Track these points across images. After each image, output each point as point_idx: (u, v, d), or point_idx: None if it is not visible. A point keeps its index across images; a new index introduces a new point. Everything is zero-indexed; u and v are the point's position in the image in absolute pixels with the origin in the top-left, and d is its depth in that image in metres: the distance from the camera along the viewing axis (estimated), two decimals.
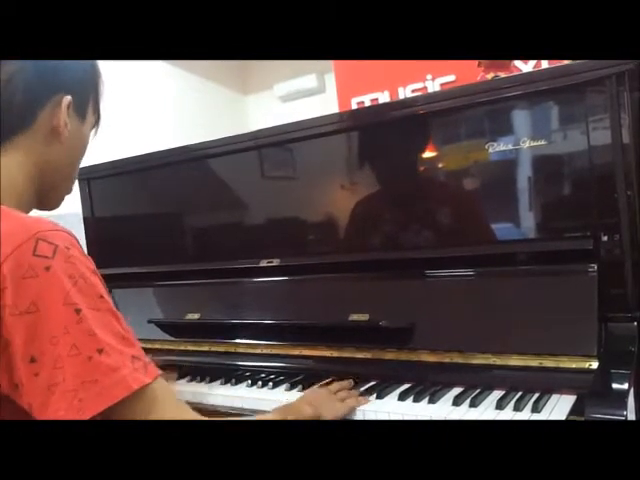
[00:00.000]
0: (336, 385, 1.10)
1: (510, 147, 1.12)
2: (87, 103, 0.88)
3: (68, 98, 0.82)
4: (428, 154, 1.25)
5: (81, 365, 0.67)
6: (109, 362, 0.68)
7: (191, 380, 1.35)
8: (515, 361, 1.03)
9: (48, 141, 0.83)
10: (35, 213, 0.85)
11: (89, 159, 1.58)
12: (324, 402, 1.01)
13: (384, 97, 3.04)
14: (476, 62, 1.79)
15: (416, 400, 1.03)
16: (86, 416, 0.66)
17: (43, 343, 0.67)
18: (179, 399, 0.78)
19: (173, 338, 1.50)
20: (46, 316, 0.67)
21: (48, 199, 0.88)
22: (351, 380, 1.14)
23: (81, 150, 0.90)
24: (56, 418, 0.66)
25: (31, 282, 0.67)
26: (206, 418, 0.79)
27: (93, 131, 0.93)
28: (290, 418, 0.93)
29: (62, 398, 0.66)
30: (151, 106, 3.32)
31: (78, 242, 0.75)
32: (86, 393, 0.66)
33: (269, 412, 0.98)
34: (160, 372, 0.74)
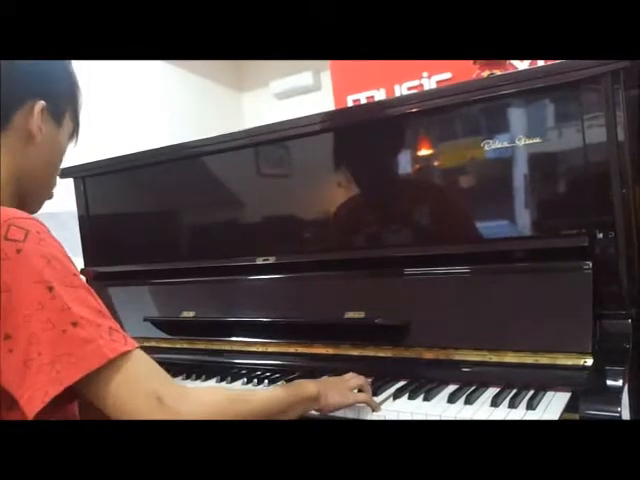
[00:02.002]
0: (351, 375, 1.06)
1: (506, 145, 1.12)
2: (64, 110, 0.90)
3: (42, 103, 0.84)
4: (424, 151, 1.25)
5: (56, 339, 0.69)
6: (83, 334, 0.70)
7: (186, 378, 1.34)
8: (510, 358, 1.03)
9: (24, 144, 0.85)
10: None
11: (85, 157, 1.59)
12: (333, 386, 0.99)
13: (380, 95, 3.04)
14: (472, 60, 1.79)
15: (411, 397, 1.04)
16: (63, 385, 0.68)
17: (16, 320, 0.69)
18: (161, 369, 0.77)
19: (169, 336, 1.50)
20: (18, 295, 0.70)
21: (26, 202, 0.89)
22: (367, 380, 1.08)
23: (57, 156, 0.92)
24: (33, 392, 0.68)
25: (2, 264, 0.70)
26: (194, 388, 0.79)
27: (72, 140, 0.95)
28: (291, 390, 0.92)
29: (39, 372, 0.69)
30: (146, 103, 3.31)
31: (49, 231, 0.77)
32: (62, 365, 0.69)
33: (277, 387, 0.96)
34: (137, 344, 0.75)
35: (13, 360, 0.69)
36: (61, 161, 0.94)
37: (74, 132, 0.95)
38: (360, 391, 1.02)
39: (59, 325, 0.70)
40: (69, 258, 0.77)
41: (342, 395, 0.99)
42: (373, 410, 1.01)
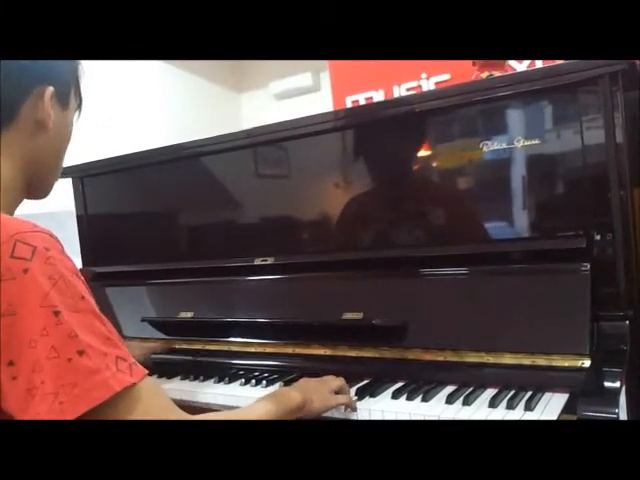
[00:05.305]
0: (331, 377, 1.07)
1: (504, 146, 1.12)
2: (69, 91, 0.87)
3: (51, 89, 0.81)
4: (422, 153, 1.25)
5: (60, 367, 0.66)
6: (89, 364, 0.67)
7: (184, 378, 1.34)
8: (508, 359, 1.03)
9: (34, 134, 0.82)
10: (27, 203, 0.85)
11: (83, 157, 1.58)
12: (315, 391, 0.99)
13: (379, 96, 3.03)
14: (471, 61, 1.80)
15: (409, 398, 1.04)
16: (66, 419, 0.65)
17: (21, 346, 0.66)
18: (167, 399, 0.76)
19: (166, 336, 1.50)
20: (23, 319, 0.66)
21: (37, 189, 0.87)
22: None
23: (67, 137, 0.90)
24: None
25: (9, 285, 0.66)
26: (195, 417, 0.77)
27: (76, 114, 0.92)
28: (279, 403, 0.91)
29: (42, 401, 0.65)
30: (145, 103, 3.31)
31: (59, 243, 0.74)
32: (66, 396, 0.65)
33: (261, 399, 0.94)
34: (146, 372, 0.73)
35: (17, 388, 0.66)
36: (69, 141, 0.91)
37: (79, 107, 0.91)
38: (339, 393, 1.04)
39: (64, 353, 0.66)
40: (78, 276, 0.73)
41: (325, 399, 1.00)
42: (353, 410, 1.03)
